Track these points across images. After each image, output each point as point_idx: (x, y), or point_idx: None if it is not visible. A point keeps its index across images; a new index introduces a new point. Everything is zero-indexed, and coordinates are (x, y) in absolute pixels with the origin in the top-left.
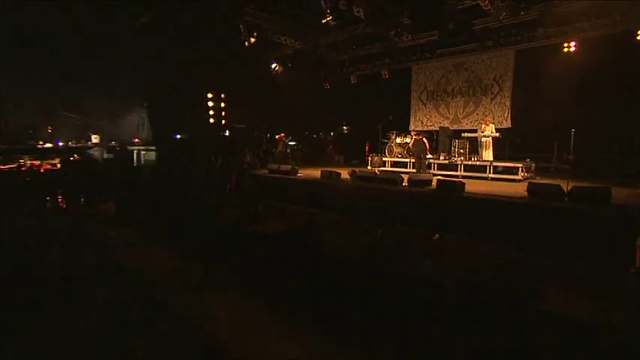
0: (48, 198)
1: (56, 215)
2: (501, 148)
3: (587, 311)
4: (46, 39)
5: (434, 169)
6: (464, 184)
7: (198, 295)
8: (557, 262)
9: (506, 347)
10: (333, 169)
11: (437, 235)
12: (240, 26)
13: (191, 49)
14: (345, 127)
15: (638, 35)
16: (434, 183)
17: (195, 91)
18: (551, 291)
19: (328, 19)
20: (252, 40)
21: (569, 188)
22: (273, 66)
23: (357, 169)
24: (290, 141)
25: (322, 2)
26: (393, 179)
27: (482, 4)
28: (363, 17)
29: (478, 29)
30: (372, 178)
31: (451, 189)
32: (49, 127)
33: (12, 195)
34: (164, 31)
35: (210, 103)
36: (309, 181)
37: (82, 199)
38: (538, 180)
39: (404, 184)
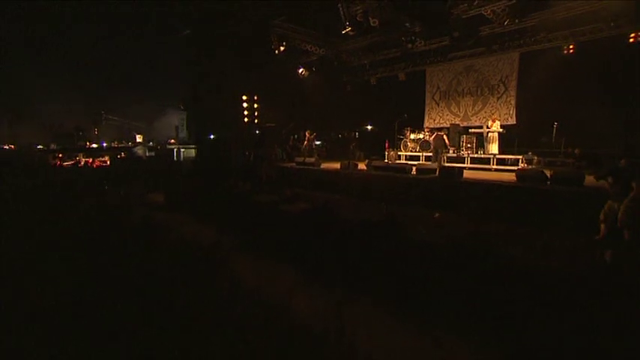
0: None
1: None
2: (511, 142)
3: (550, 264)
4: (90, 49)
5: (444, 161)
6: (462, 170)
7: (237, 260)
8: (535, 232)
9: (471, 288)
10: (351, 161)
11: (437, 214)
12: (272, 37)
13: (228, 58)
14: (369, 127)
15: (630, 38)
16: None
17: (232, 94)
18: (522, 252)
19: (347, 29)
20: (282, 48)
21: (550, 174)
22: (300, 71)
23: (373, 161)
24: (315, 139)
25: (342, 14)
26: (403, 168)
27: (485, 13)
28: (377, 27)
29: (485, 34)
30: (385, 167)
31: (451, 174)
32: (96, 129)
33: (80, 185)
34: (204, 42)
35: (245, 105)
36: (330, 171)
37: (132, 191)
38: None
39: (413, 172)
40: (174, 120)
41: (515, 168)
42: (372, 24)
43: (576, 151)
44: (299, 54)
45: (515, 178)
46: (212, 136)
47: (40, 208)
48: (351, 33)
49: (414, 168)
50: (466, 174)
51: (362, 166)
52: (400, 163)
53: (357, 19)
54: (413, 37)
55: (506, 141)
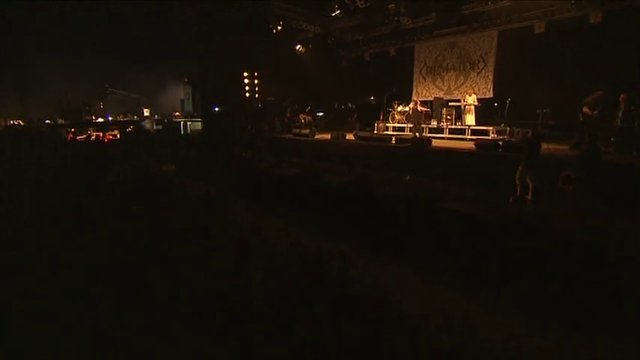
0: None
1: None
2: (495, 114)
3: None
4: (94, 24)
5: (426, 132)
6: (430, 140)
7: (233, 207)
8: (480, 189)
9: (417, 224)
10: (340, 132)
11: (408, 177)
12: (270, 17)
13: (230, 38)
14: (372, 99)
15: (591, 19)
16: None
17: (233, 70)
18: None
19: (337, 12)
20: (279, 27)
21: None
22: (297, 47)
23: (359, 132)
24: (310, 112)
25: None
26: (383, 138)
27: None
28: (365, 8)
29: (467, 13)
30: (368, 137)
31: (420, 144)
32: (101, 103)
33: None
34: (207, 21)
35: (246, 81)
36: (321, 142)
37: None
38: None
39: (392, 142)
40: (179, 93)
41: (487, 138)
42: (359, 6)
43: (551, 122)
44: (295, 32)
45: (474, 146)
46: (217, 109)
47: (77, 177)
48: (340, 15)
49: (393, 138)
50: (436, 143)
51: (350, 136)
52: (382, 134)
53: (346, 1)
54: (397, 17)
55: (492, 113)
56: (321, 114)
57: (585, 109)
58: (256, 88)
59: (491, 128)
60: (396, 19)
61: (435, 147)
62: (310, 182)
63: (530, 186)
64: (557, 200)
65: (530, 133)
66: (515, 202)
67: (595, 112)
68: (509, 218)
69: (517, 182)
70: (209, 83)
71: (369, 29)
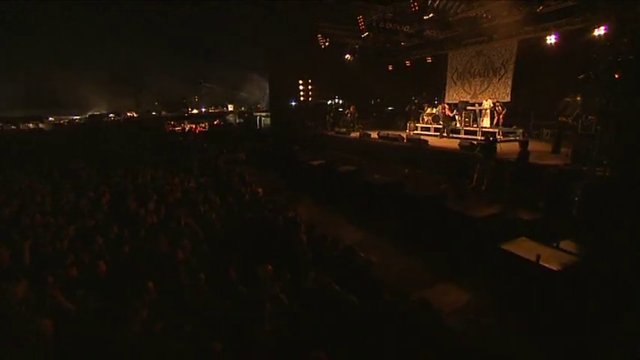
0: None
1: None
2: (527, 117)
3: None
4: (195, 31)
5: (447, 132)
6: (427, 140)
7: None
8: (447, 178)
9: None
10: (365, 131)
11: (406, 170)
12: (318, 36)
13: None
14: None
15: (593, 31)
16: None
17: (292, 77)
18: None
19: (365, 35)
20: (327, 43)
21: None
22: (346, 57)
23: (381, 131)
24: (356, 113)
25: (360, 23)
26: (396, 138)
27: (471, 14)
28: (391, 29)
29: (486, 26)
30: (385, 136)
31: (418, 143)
32: (196, 97)
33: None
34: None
35: (301, 87)
36: (352, 139)
37: (224, 150)
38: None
39: (404, 141)
40: (261, 88)
41: (466, 137)
42: (384, 27)
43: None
44: (343, 45)
45: (458, 146)
46: (294, 103)
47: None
48: (368, 37)
49: (405, 137)
50: (433, 142)
51: (374, 135)
52: (394, 134)
53: (373, 24)
54: (421, 33)
55: (523, 116)
56: (391, 108)
57: (561, 118)
58: (310, 92)
59: (497, 130)
60: (418, 34)
61: (432, 146)
62: (327, 169)
63: (485, 179)
64: (501, 191)
65: (488, 139)
66: (472, 189)
67: (570, 118)
68: (433, 198)
69: (475, 175)
70: (274, 87)
71: (405, 40)
